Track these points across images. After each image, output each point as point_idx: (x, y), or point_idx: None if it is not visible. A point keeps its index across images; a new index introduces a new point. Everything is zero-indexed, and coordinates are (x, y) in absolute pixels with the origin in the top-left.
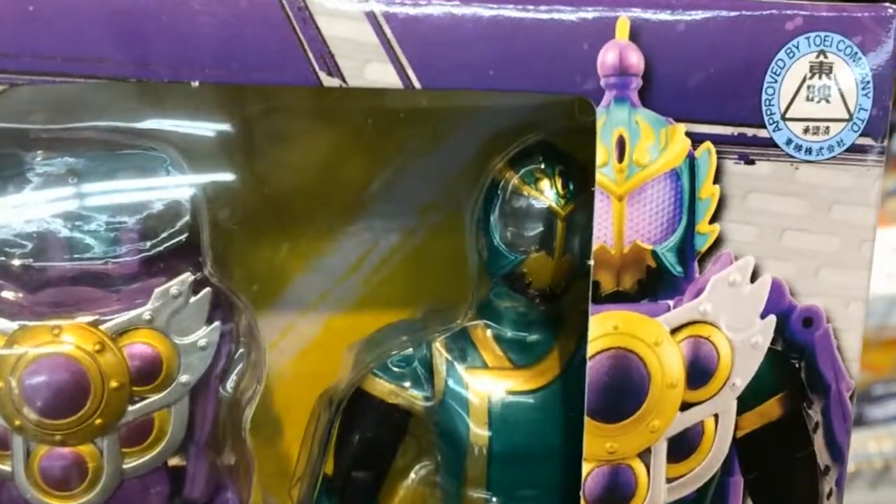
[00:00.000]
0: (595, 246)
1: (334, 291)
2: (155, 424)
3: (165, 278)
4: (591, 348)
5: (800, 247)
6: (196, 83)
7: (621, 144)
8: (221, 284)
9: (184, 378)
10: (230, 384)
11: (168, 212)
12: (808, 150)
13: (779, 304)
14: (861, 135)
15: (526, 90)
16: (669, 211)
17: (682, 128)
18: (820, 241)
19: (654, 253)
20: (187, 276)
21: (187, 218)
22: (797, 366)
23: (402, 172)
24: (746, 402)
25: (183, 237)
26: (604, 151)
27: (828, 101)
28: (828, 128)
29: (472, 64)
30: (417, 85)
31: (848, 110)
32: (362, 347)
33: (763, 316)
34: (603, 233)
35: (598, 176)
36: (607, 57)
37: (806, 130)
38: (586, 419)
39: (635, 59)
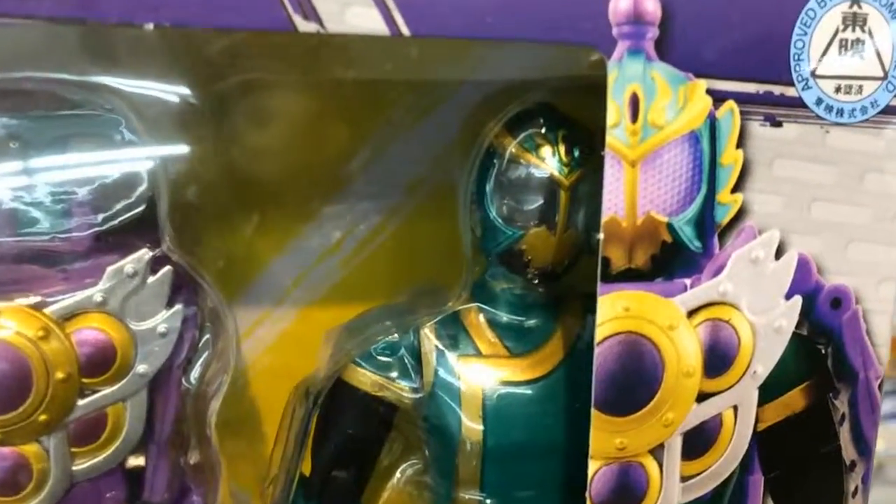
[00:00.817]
0: (605, 217)
1: (311, 275)
2: (108, 420)
3: (119, 256)
4: (600, 333)
5: (829, 219)
6: (150, 26)
7: (635, 103)
8: (184, 262)
9: (141, 368)
10: (194, 375)
11: (123, 181)
12: (840, 112)
13: (805, 284)
14: None
15: (528, 39)
16: (688, 178)
17: (702, 84)
18: (850, 213)
19: (669, 226)
20: (144, 253)
21: (144, 188)
22: (823, 352)
23: (387, 146)
24: (768, 391)
25: (140, 210)
26: (615, 110)
27: (861, 57)
28: (861, 87)
29: (468, 8)
30: (406, 32)
31: (883, 67)
32: (342, 334)
33: (788, 296)
34: (613, 203)
35: (608, 138)
36: (620, 2)
37: (837, 89)
38: (593, 412)
39: (651, 6)
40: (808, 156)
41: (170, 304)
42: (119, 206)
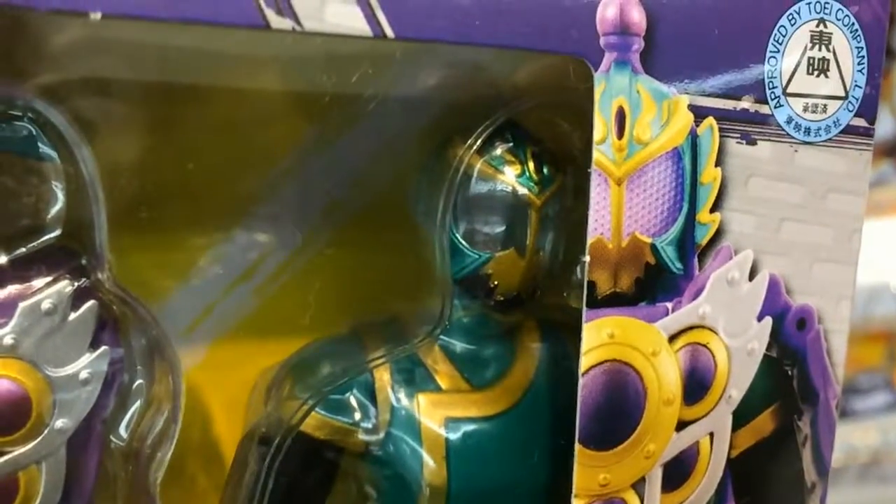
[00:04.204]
0: (590, 239)
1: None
2: (20, 487)
3: (34, 289)
4: (585, 362)
5: (796, 239)
6: (97, 15)
7: (621, 117)
8: (115, 291)
9: (59, 423)
10: (124, 429)
11: (34, 200)
12: (807, 131)
13: (774, 305)
14: (855, 115)
15: (516, 46)
16: (670, 197)
17: (684, 100)
18: (815, 233)
19: (653, 247)
20: (65, 286)
21: (61, 208)
22: (790, 373)
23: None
24: (741, 416)
25: (55, 234)
26: (602, 125)
27: (826, 76)
28: (825, 106)
29: (457, 10)
30: (390, 33)
31: (844, 87)
32: (287, 375)
33: (760, 318)
34: (600, 223)
35: (595, 154)
36: (607, 12)
37: (805, 108)
38: (578, 447)
39: (637, 17)
40: (779, 175)
41: (94, 345)
42: (29, 230)
